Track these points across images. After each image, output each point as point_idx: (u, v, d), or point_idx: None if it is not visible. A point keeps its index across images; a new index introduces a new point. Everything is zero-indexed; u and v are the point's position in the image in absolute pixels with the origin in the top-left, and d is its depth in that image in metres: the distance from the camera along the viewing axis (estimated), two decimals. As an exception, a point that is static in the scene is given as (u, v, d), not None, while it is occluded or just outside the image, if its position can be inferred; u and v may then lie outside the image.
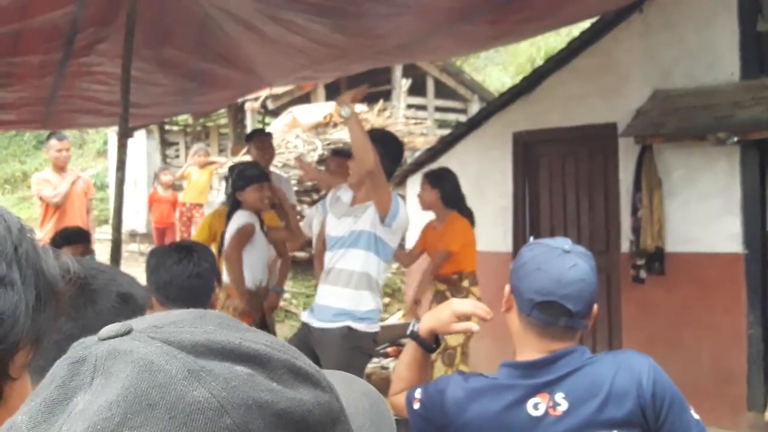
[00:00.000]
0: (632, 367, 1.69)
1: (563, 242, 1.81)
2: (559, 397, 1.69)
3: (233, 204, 4.79)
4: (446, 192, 5.22)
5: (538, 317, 1.76)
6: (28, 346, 0.79)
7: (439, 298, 5.09)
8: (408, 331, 1.95)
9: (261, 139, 5.89)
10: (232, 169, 5.32)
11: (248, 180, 4.76)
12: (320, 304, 4.00)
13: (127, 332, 0.53)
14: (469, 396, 1.77)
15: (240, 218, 4.66)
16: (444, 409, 1.79)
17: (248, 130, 11.78)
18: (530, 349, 1.79)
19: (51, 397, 0.50)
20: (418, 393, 1.87)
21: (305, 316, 4.13)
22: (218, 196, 9.98)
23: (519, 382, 1.73)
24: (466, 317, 1.85)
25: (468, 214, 5.33)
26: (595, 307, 1.80)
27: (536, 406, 1.69)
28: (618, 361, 1.72)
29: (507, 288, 1.86)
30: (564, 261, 1.75)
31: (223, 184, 5.71)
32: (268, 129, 12.61)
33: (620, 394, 1.65)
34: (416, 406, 1.85)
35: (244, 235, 4.64)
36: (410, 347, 1.95)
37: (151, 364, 0.49)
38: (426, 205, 5.33)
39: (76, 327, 1.24)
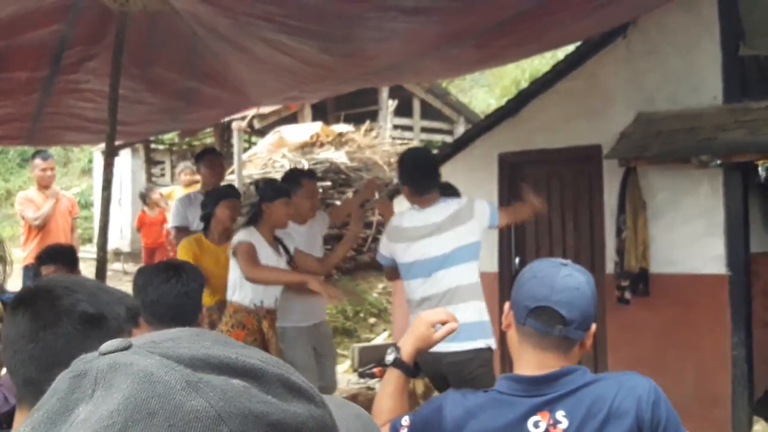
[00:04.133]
0: (633, 387, 1.71)
1: (562, 259, 1.86)
2: (559, 415, 1.70)
3: (253, 215, 4.47)
4: None
5: (533, 325, 1.77)
6: None
7: None
8: (389, 360, 1.90)
9: (211, 159, 5.82)
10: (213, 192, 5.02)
11: (279, 192, 4.45)
12: None
13: (127, 347, 0.54)
14: (469, 412, 1.75)
15: (238, 236, 4.38)
16: (442, 428, 1.76)
17: (235, 149, 11.78)
18: (526, 362, 1.80)
19: (53, 409, 0.52)
20: (405, 420, 1.82)
21: None
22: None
23: (519, 399, 1.73)
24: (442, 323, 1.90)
25: None
26: (593, 326, 1.81)
27: (536, 424, 1.70)
28: (620, 381, 1.74)
29: (507, 305, 1.88)
30: (559, 270, 1.80)
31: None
32: (254, 148, 12.65)
33: (620, 414, 1.67)
34: None
35: (245, 252, 4.28)
36: (392, 376, 1.91)
37: (150, 376, 0.51)
38: None
39: (37, 348, 1.23)
